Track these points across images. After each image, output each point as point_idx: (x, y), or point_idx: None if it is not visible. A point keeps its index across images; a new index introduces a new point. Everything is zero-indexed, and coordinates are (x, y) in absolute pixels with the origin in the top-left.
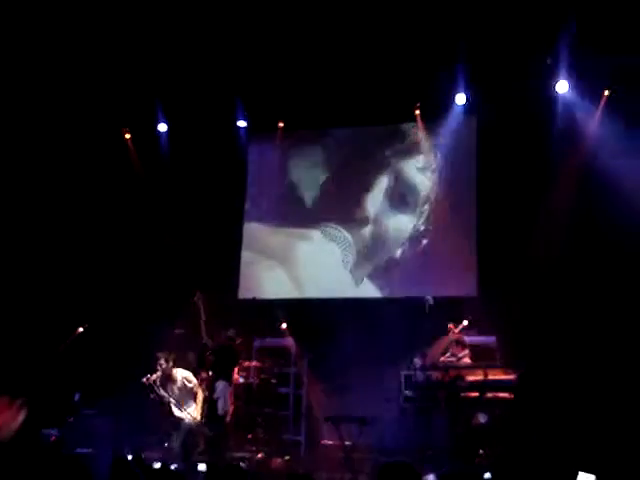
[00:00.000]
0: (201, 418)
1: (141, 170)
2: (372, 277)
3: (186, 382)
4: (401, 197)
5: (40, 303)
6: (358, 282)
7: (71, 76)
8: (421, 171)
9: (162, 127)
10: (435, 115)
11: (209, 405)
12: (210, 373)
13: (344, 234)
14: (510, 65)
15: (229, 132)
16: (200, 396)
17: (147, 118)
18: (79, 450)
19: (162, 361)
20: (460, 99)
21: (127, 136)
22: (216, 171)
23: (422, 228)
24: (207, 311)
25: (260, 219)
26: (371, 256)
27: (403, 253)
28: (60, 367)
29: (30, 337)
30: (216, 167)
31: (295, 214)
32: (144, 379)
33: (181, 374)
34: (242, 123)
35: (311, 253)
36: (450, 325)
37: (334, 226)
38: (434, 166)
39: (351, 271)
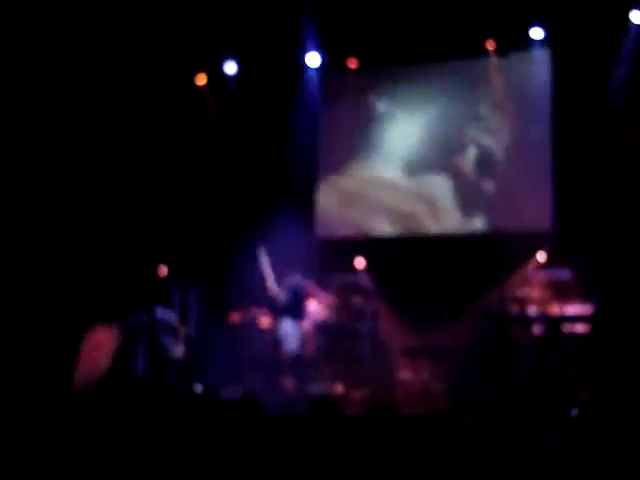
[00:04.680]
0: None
1: (215, 114)
2: (453, 216)
3: (167, 320)
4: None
5: (125, 245)
6: (439, 220)
7: (142, 22)
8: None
9: (231, 68)
10: (508, 50)
11: (274, 344)
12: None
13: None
14: None
15: (299, 70)
16: (182, 334)
17: (217, 60)
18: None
19: None
20: (535, 32)
21: (201, 81)
22: (287, 110)
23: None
24: (270, 262)
25: (336, 159)
26: (456, 197)
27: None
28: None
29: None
30: (287, 107)
31: (375, 154)
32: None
33: (161, 314)
34: (313, 61)
35: (385, 190)
36: None
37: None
38: (508, 106)
39: (431, 210)
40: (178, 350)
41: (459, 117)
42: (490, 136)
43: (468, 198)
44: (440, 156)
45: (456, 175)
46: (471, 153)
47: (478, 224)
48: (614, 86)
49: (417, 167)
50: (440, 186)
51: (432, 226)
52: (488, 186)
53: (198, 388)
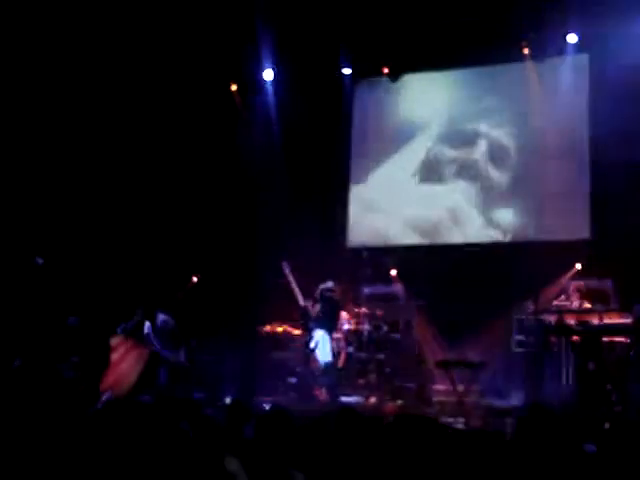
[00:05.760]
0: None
1: (248, 121)
2: (483, 224)
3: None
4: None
5: (155, 253)
6: (470, 229)
7: (177, 29)
8: (524, 118)
9: (267, 75)
10: (544, 55)
11: (307, 356)
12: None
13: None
14: None
15: (333, 79)
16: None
17: (252, 67)
18: (195, 395)
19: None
20: (571, 38)
21: (234, 88)
22: (321, 117)
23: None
24: (296, 278)
25: (364, 167)
26: (483, 205)
27: (514, 199)
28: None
29: (148, 285)
30: (321, 114)
31: (406, 160)
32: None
33: (161, 318)
34: (347, 70)
35: (414, 198)
36: None
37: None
38: (544, 108)
39: (463, 219)
40: (178, 355)
41: (492, 124)
42: (524, 143)
43: (500, 207)
44: (469, 164)
45: (488, 183)
46: (503, 161)
47: (512, 233)
48: None
49: (445, 175)
50: (469, 194)
51: (459, 235)
52: (523, 193)
53: (226, 400)
